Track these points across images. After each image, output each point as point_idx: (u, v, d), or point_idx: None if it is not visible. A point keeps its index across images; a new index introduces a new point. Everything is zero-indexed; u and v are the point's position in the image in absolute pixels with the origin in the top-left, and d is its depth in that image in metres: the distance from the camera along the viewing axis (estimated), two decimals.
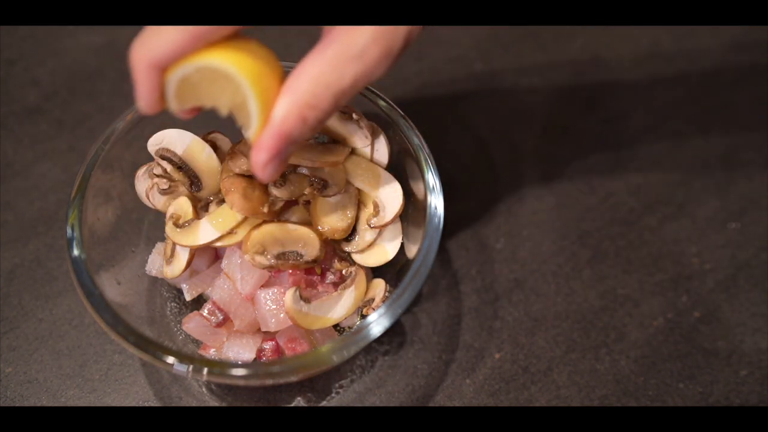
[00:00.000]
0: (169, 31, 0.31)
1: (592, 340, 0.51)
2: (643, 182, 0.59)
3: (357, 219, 0.47)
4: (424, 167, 0.44)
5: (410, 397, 0.49)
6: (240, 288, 0.46)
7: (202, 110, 0.36)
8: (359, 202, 0.47)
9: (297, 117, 0.32)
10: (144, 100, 0.33)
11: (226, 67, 0.32)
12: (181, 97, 0.34)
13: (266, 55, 0.33)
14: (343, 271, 0.47)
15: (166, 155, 0.46)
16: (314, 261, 0.45)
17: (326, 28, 0.33)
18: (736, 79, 0.66)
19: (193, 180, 0.46)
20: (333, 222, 0.46)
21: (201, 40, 0.31)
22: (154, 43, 0.31)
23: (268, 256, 0.44)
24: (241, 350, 0.46)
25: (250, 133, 0.34)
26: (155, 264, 0.48)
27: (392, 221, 0.46)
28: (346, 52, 0.31)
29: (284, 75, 0.34)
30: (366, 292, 0.47)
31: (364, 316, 0.47)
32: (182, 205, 0.46)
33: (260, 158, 0.33)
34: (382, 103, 0.46)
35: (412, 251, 0.45)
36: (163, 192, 0.46)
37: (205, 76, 0.32)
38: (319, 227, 0.46)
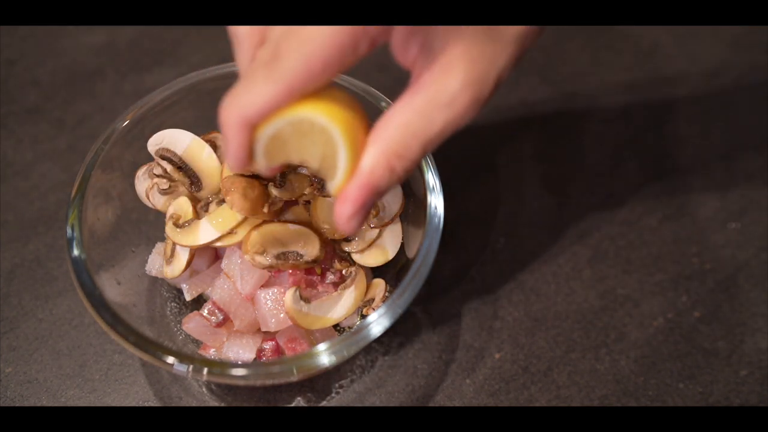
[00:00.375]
0: (261, 87, 0.30)
1: (592, 340, 0.51)
2: (643, 182, 0.59)
3: None
4: (424, 167, 0.44)
5: (410, 397, 0.49)
6: (240, 288, 0.46)
7: (289, 167, 0.35)
8: None
9: (385, 167, 0.31)
10: (234, 159, 0.32)
11: (319, 118, 0.31)
12: (271, 153, 0.32)
13: (353, 104, 0.33)
14: (343, 271, 0.47)
15: (166, 155, 0.46)
16: (314, 261, 0.45)
17: (414, 74, 0.32)
18: (736, 79, 0.66)
19: (193, 180, 0.46)
20: (333, 222, 0.46)
21: (294, 93, 0.30)
22: (245, 99, 0.30)
23: (268, 256, 0.44)
24: (241, 350, 0.46)
25: (334, 184, 0.32)
26: (155, 264, 0.48)
27: (392, 221, 0.46)
28: (435, 99, 0.30)
29: (369, 124, 0.33)
30: (366, 292, 0.47)
31: (364, 316, 0.47)
32: (182, 205, 0.46)
33: (346, 210, 0.32)
34: (382, 103, 0.46)
35: (412, 251, 0.45)
36: (163, 192, 0.46)
37: (297, 129, 0.31)
38: (319, 227, 0.46)
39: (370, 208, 0.33)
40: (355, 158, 0.31)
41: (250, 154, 0.32)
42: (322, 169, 0.33)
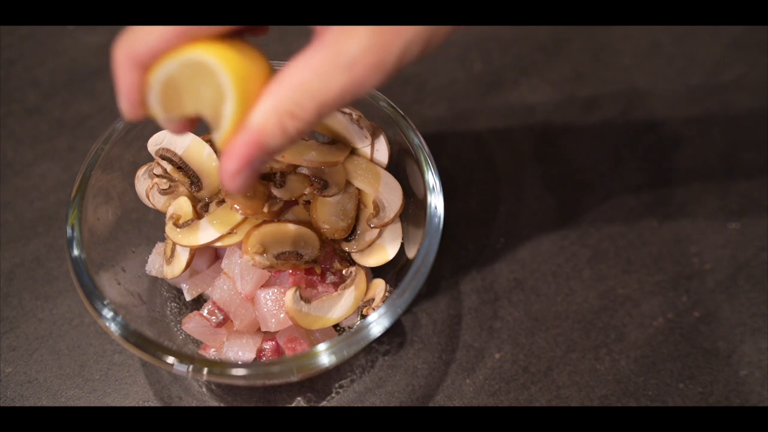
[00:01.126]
0: (154, 27, 0.29)
1: (592, 340, 0.51)
2: (643, 182, 0.59)
3: (357, 219, 0.47)
4: (424, 167, 0.44)
5: (410, 397, 0.49)
6: (240, 288, 0.46)
7: (193, 125, 0.34)
8: (359, 202, 0.47)
9: (276, 125, 0.29)
10: (125, 101, 0.31)
11: (209, 59, 0.29)
12: (166, 102, 0.31)
13: (256, 56, 0.31)
14: (343, 271, 0.47)
15: (166, 155, 0.46)
16: (314, 261, 0.45)
17: (318, 29, 0.30)
18: (736, 79, 0.66)
19: (193, 180, 0.46)
20: (333, 222, 0.46)
21: (186, 36, 0.29)
22: (137, 37, 0.30)
23: (268, 256, 0.44)
24: (241, 350, 0.46)
25: (219, 135, 0.31)
26: (155, 264, 0.48)
27: (392, 221, 0.46)
28: (334, 60, 0.29)
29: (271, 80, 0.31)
30: (366, 292, 0.47)
31: (364, 316, 0.47)
32: (182, 205, 0.46)
33: (231, 166, 0.30)
34: (382, 103, 0.46)
35: (412, 251, 0.45)
36: (163, 192, 0.46)
37: (188, 72, 0.30)
38: (319, 227, 0.46)
39: (258, 168, 0.31)
40: (244, 110, 0.30)
41: (142, 99, 0.31)
42: (213, 118, 0.31)
